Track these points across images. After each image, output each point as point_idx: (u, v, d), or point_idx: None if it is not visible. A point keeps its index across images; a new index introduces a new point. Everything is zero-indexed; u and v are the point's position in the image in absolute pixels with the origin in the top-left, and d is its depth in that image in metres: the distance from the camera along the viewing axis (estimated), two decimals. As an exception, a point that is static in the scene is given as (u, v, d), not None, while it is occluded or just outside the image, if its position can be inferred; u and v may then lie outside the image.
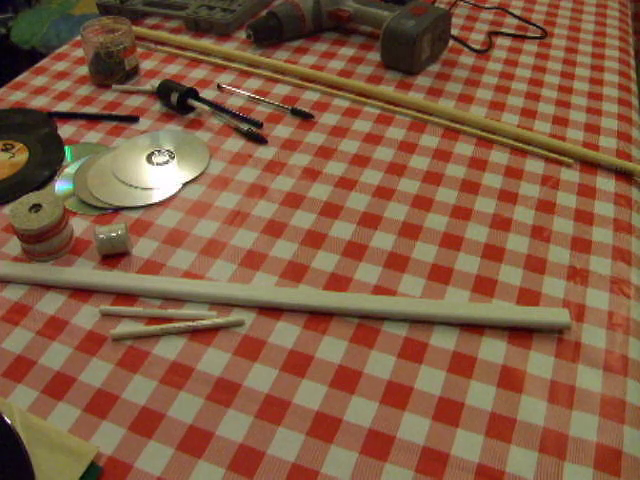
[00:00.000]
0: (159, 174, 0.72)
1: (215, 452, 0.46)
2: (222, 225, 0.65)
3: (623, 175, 0.72)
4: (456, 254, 0.62)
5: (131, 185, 0.70)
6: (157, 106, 0.83)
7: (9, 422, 0.47)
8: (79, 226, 0.65)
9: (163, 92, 0.82)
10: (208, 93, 0.85)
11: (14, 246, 0.63)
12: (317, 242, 0.63)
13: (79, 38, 0.97)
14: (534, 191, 0.69)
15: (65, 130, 0.78)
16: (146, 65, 0.91)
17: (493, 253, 0.62)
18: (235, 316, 0.56)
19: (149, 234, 0.64)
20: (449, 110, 0.80)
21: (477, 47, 0.96)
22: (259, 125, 0.78)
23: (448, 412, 0.49)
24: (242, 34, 0.98)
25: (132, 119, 0.80)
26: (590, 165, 0.73)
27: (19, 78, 0.89)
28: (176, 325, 0.54)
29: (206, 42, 0.95)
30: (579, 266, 0.61)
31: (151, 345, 0.54)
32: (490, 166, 0.73)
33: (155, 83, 0.84)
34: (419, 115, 0.80)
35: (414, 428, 0.48)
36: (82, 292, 0.58)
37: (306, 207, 0.67)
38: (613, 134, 0.78)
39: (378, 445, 0.47)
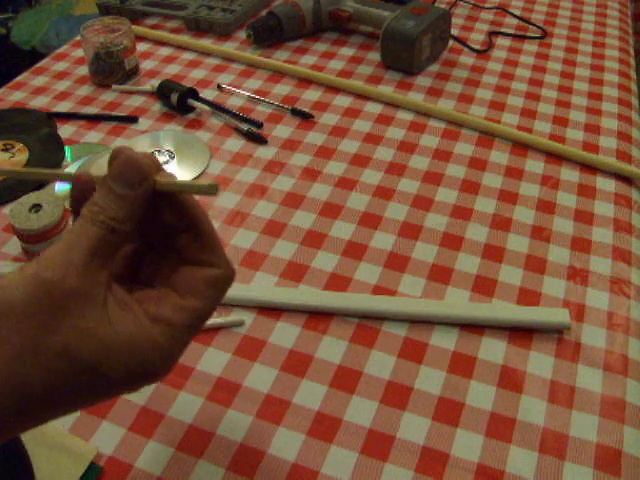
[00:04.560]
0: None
1: (215, 452, 0.46)
2: (222, 225, 0.65)
3: (623, 176, 0.72)
4: (456, 254, 0.62)
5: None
6: (157, 106, 0.83)
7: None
8: (79, 226, 0.65)
9: (163, 92, 0.82)
10: (208, 93, 0.85)
11: (14, 246, 0.63)
12: (317, 242, 0.63)
13: (79, 38, 0.97)
14: (534, 191, 0.69)
15: (65, 130, 0.78)
16: (146, 65, 0.91)
17: (493, 253, 0.62)
18: (235, 316, 0.56)
19: (149, 234, 0.64)
20: (448, 111, 0.80)
21: (477, 47, 0.96)
22: (259, 125, 0.78)
23: (448, 412, 0.49)
24: (242, 34, 0.98)
25: (131, 119, 0.80)
26: (590, 165, 0.73)
27: (19, 78, 0.89)
28: (176, 325, 0.54)
29: (206, 42, 0.95)
30: (579, 266, 0.61)
31: (151, 345, 0.54)
32: (490, 166, 0.73)
33: (155, 83, 0.84)
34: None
35: (414, 428, 0.48)
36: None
37: (306, 207, 0.67)
38: (613, 134, 0.78)
39: (378, 445, 0.47)
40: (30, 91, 0.86)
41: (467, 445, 0.47)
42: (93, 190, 0.32)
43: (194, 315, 0.31)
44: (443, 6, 1.07)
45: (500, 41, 0.98)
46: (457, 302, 0.57)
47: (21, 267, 0.28)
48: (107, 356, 0.28)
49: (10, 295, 0.27)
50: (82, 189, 0.32)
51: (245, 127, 0.78)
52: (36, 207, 0.60)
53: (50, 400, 0.28)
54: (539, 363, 0.52)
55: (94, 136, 0.78)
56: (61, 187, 0.70)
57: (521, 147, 0.76)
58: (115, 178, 0.30)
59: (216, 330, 0.55)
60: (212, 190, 0.31)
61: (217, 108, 0.81)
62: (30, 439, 0.46)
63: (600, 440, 0.47)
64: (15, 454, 0.45)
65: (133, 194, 0.30)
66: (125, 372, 0.29)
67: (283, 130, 0.78)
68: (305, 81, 0.88)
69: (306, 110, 0.81)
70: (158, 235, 0.33)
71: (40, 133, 0.77)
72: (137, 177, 0.30)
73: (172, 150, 0.75)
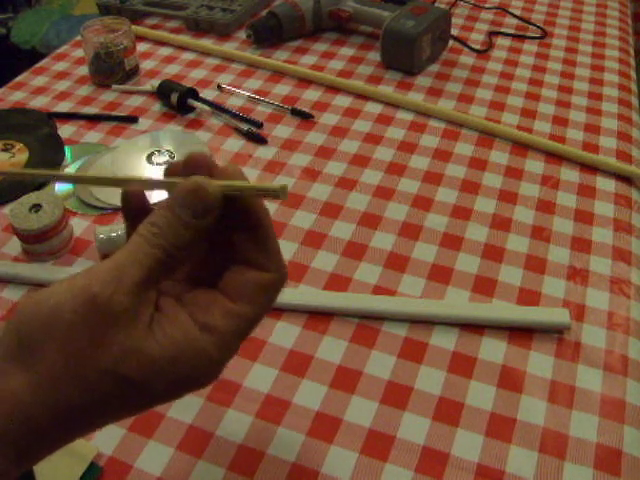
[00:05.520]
0: (159, 174, 0.72)
1: (215, 452, 0.46)
2: (222, 225, 0.65)
3: (623, 176, 0.72)
4: (456, 254, 0.62)
5: (131, 185, 0.70)
6: (157, 106, 0.83)
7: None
8: (79, 226, 0.65)
9: (163, 92, 0.82)
10: (208, 93, 0.85)
11: (14, 246, 0.63)
12: (317, 242, 0.63)
13: (79, 38, 0.96)
14: (534, 191, 0.69)
15: (65, 130, 0.78)
16: (146, 65, 0.91)
17: (493, 253, 0.62)
18: (235, 316, 0.56)
19: (149, 234, 0.64)
20: (448, 111, 0.80)
21: (477, 47, 0.96)
22: (259, 125, 0.78)
23: (448, 412, 0.49)
24: (242, 34, 0.98)
25: (131, 119, 0.80)
26: (590, 165, 0.73)
27: (19, 78, 0.89)
28: (176, 325, 0.54)
29: (206, 42, 0.95)
30: (579, 266, 0.61)
31: (151, 345, 0.54)
32: (490, 166, 0.73)
33: (155, 83, 0.84)
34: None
35: (414, 428, 0.48)
36: (82, 292, 0.58)
37: (306, 207, 0.67)
38: (613, 134, 0.78)
39: (378, 445, 0.47)
40: (30, 91, 0.86)
41: (467, 445, 0.47)
42: (143, 203, 0.32)
43: (244, 321, 0.30)
44: (443, 6, 1.07)
45: (500, 41, 0.98)
46: (457, 302, 0.57)
47: (68, 278, 0.28)
48: (154, 372, 0.27)
49: (57, 306, 0.27)
50: (134, 199, 0.32)
51: (245, 127, 0.78)
52: (36, 207, 0.60)
53: (93, 415, 0.28)
54: (539, 363, 0.52)
55: (94, 136, 0.78)
56: (61, 187, 0.70)
57: (521, 147, 0.76)
58: (181, 204, 0.29)
59: (216, 330, 0.55)
60: (280, 194, 0.29)
61: (217, 108, 0.81)
62: (30, 439, 0.46)
63: (600, 440, 0.47)
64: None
65: (197, 224, 0.29)
66: (172, 385, 0.28)
67: (283, 130, 0.78)
68: (305, 81, 0.88)
69: (306, 110, 0.81)
70: (215, 231, 0.32)
71: (40, 133, 0.77)
72: (204, 208, 0.29)
73: (172, 150, 0.75)
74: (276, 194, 0.29)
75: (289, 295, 0.57)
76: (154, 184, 0.33)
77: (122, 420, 0.29)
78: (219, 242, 0.32)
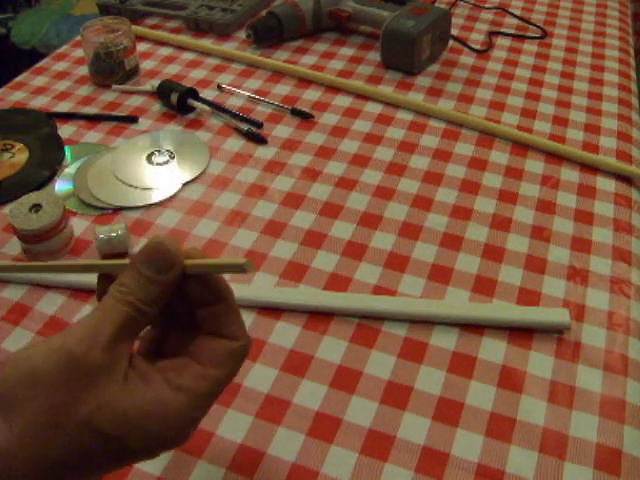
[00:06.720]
0: (159, 174, 0.72)
1: (215, 452, 0.46)
2: (222, 225, 0.65)
3: (623, 176, 0.72)
4: (456, 254, 0.62)
5: (131, 185, 0.70)
6: (157, 106, 0.83)
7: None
8: (79, 226, 0.65)
9: (163, 92, 0.82)
10: (208, 93, 0.85)
11: (14, 246, 0.63)
12: (317, 242, 0.63)
13: (79, 38, 0.96)
14: (534, 191, 0.69)
15: (65, 130, 0.78)
16: (146, 65, 0.91)
17: (493, 253, 0.62)
18: (235, 316, 0.55)
19: (149, 234, 0.64)
20: (448, 111, 0.80)
21: (477, 47, 0.96)
22: (259, 125, 0.78)
23: (448, 412, 0.49)
24: (242, 34, 0.98)
25: (131, 119, 0.80)
26: (590, 165, 0.73)
27: (19, 78, 0.89)
28: (176, 325, 0.54)
29: (206, 42, 0.95)
30: (579, 266, 0.61)
31: (151, 345, 0.53)
32: (490, 166, 0.73)
33: (155, 83, 0.84)
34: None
35: (414, 428, 0.48)
36: (82, 292, 0.58)
37: (306, 207, 0.67)
38: (613, 134, 0.78)
39: (378, 445, 0.47)
40: (30, 91, 0.86)
41: (467, 445, 0.47)
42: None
43: (216, 384, 0.32)
44: (443, 6, 1.07)
45: (500, 41, 0.98)
46: (457, 302, 0.57)
47: (46, 339, 0.29)
48: (128, 428, 0.28)
49: (36, 365, 0.28)
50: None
51: (245, 127, 0.78)
52: (36, 207, 0.60)
53: (71, 469, 0.28)
54: (539, 363, 0.52)
55: (94, 136, 0.78)
56: (61, 187, 0.70)
57: (521, 147, 0.76)
58: (144, 262, 0.31)
59: (216, 330, 0.55)
60: (246, 267, 0.31)
61: (217, 108, 0.81)
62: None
63: (600, 440, 0.47)
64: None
65: (161, 279, 0.31)
66: (147, 442, 0.29)
67: (283, 130, 0.78)
68: (305, 81, 0.88)
69: (306, 110, 0.81)
70: (181, 307, 0.34)
71: (40, 133, 0.77)
72: (166, 264, 0.31)
73: (172, 150, 0.75)
74: (242, 269, 0.31)
75: (289, 295, 0.57)
76: (105, 267, 0.35)
77: (105, 474, 0.30)
78: (186, 318, 0.34)
